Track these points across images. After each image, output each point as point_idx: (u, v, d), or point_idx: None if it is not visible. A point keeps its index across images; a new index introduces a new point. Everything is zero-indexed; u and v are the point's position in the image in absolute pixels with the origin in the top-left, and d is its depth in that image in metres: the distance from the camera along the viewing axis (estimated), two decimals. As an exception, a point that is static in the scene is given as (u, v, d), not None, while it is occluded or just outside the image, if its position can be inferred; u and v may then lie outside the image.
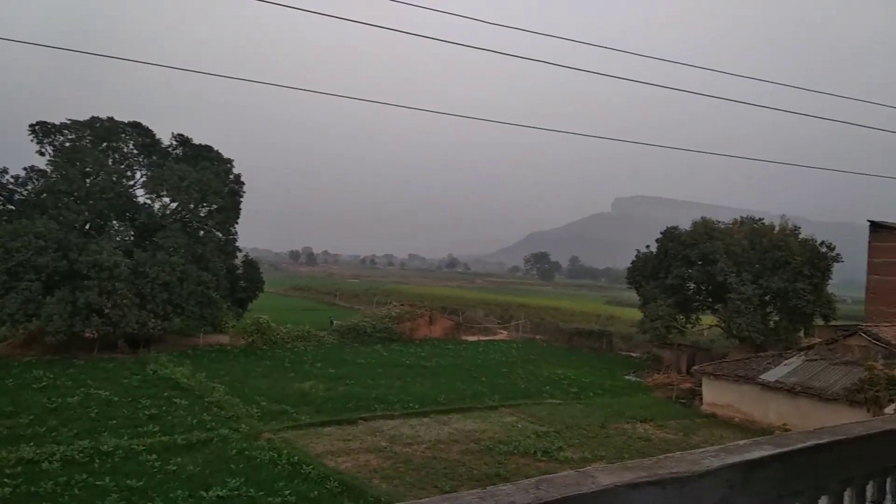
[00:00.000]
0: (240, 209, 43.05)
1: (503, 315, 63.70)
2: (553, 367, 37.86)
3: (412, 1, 11.00)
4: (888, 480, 2.60)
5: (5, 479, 14.70)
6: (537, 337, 53.64)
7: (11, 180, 36.50)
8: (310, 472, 16.32)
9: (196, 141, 42.36)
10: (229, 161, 42.31)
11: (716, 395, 28.39)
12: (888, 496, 2.61)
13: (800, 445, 2.20)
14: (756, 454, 2.05)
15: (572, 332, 51.39)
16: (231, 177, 42.22)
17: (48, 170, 37.04)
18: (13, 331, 32.95)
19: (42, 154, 37.86)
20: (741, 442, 2.20)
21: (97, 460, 16.56)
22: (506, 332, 56.41)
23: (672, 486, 1.80)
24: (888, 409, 21.15)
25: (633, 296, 47.65)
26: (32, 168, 37.23)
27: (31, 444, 17.65)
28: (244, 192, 43.16)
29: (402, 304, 54.70)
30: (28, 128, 37.99)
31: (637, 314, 43.48)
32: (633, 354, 44.61)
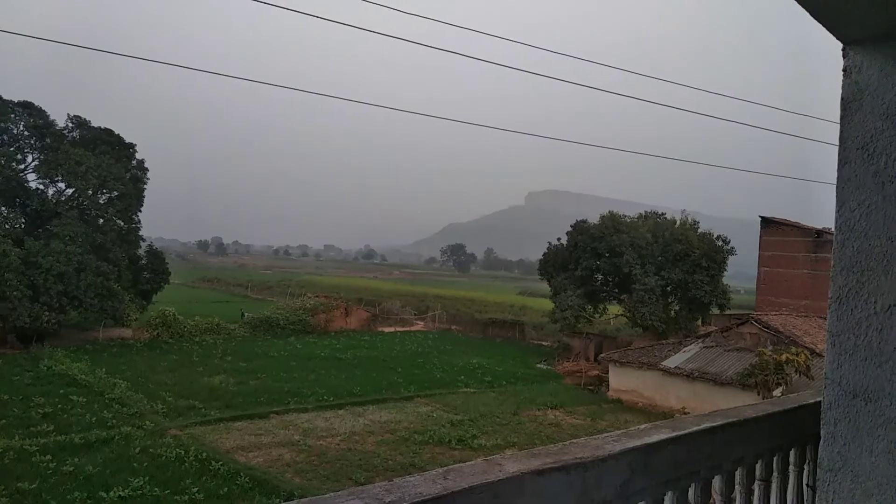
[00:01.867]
0: (143, 197, 40.96)
1: (420, 306, 63.95)
2: (468, 356, 38.39)
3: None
4: (775, 459, 2.80)
5: None
6: (453, 327, 54.21)
7: None
8: (219, 469, 15.84)
9: (94, 124, 39.91)
10: (131, 146, 40.15)
11: (621, 381, 29.67)
12: (774, 473, 2.81)
13: (695, 428, 2.33)
14: (655, 438, 2.16)
15: (487, 323, 52.29)
16: (133, 162, 40.13)
17: (-75, 150, 33.89)
18: None
19: (-83, 133, 34.60)
20: (641, 426, 2.31)
21: (-17, 464, 15.40)
22: (422, 323, 56.69)
23: (576, 471, 1.87)
24: (776, 392, 22.81)
25: (544, 287, 48.98)
26: None
27: None
28: (148, 179, 41.13)
29: (317, 296, 53.87)
30: None
31: (548, 304, 44.74)
32: (544, 343, 45.88)
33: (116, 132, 40.05)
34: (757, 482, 2.72)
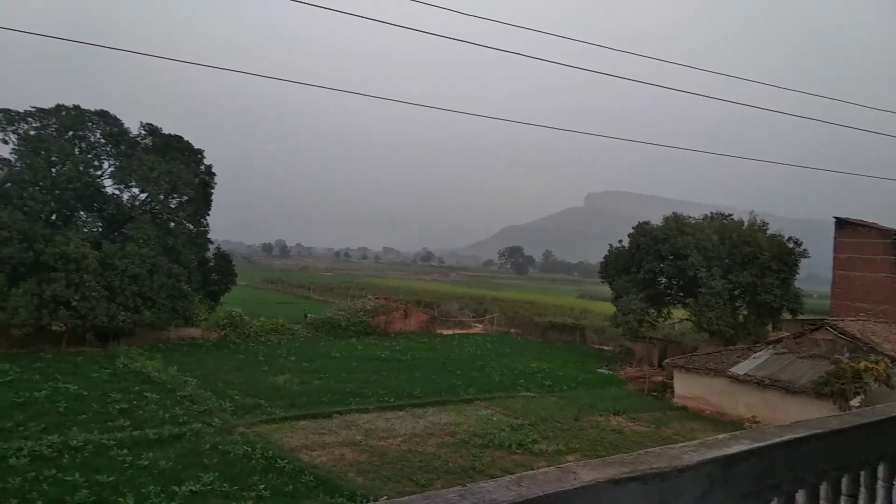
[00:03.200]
0: (211, 201, 42.46)
1: (478, 309, 63.94)
2: (527, 360, 38.12)
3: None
4: (862, 474, 2.66)
5: (-30, 476, 14.37)
6: (511, 330, 53.95)
7: (-25, 170, 35.47)
8: (285, 467, 16.22)
9: (165, 131, 41.63)
10: (200, 152, 41.67)
11: (687, 387, 28.85)
12: (862, 489, 2.67)
13: (777, 440, 2.24)
14: (735, 449, 2.09)
15: (546, 326, 51.81)
16: (202, 168, 41.61)
17: (12, 159, 36.08)
18: (-23, 324, 32.07)
19: (5, 142, 36.83)
20: (720, 436, 2.24)
21: (66, 455, 16.24)
22: (480, 326, 56.64)
23: (653, 482, 1.82)
24: (854, 402, 21.72)
25: (605, 290, 48.19)
26: (-4, 157, 36.22)
27: (-2, 439, 17.27)
28: (215, 184, 42.60)
29: (377, 298, 54.59)
30: (-9, 115, 36.95)
31: (610, 308, 43.97)
32: (605, 348, 45.14)
33: (186, 139, 41.68)
34: (843, 498, 2.59)
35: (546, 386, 30.62)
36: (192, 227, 41.20)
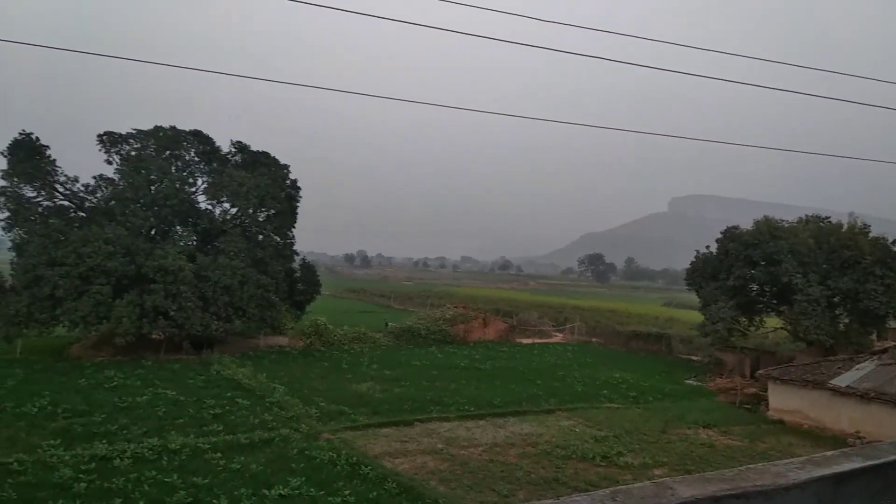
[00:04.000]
0: (296, 214, 43.95)
1: (557, 317, 63.08)
2: (610, 370, 37.24)
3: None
4: None
5: (81, 475, 15.38)
6: (593, 340, 52.88)
7: (82, 188, 38.23)
8: (368, 473, 16.50)
9: (253, 148, 43.52)
10: (285, 167, 43.25)
11: (783, 400, 27.34)
12: None
13: (893, 457, 2.08)
14: (846, 466, 1.95)
15: (629, 335, 50.46)
16: (287, 182, 43.12)
17: (116, 178, 38.68)
18: (86, 332, 34.42)
19: (109, 163, 39.59)
20: (828, 453, 2.10)
21: (165, 458, 17.16)
22: (561, 335, 55.83)
23: (756, 500, 1.73)
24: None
25: (692, 297, 46.43)
26: (101, 176, 38.92)
27: (104, 441, 18.43)
28: (300, 197, 44.08)
29: (456, 307, 54.81)
30: (96, 137, 39.80)
31: (697, 316, 42.38)
32: (693, 358, 43.48)
33: (272, 154, 43.40)
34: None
35: (630, 397, 29.78)
36: (278, 239, 42.79)
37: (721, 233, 40.52)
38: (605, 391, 30.65)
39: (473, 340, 48.06)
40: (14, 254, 35.80)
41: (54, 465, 16.11)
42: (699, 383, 34.92)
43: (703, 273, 40.51)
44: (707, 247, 41.55)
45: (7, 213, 35.50)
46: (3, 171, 35.35)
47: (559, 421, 24.14)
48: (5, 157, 35.55)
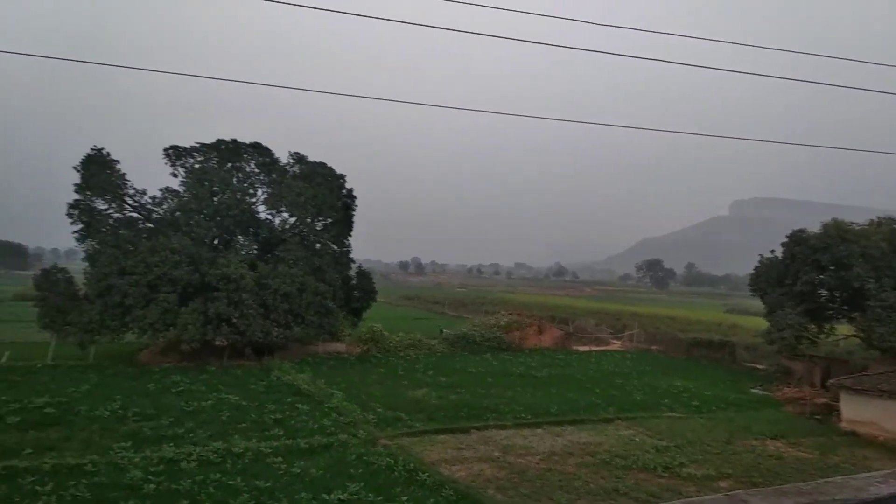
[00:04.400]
0: (352, 222, 44.68)
1: (615, 324, 61.93)
2: (671, 378, 36.30)
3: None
4: None
5: (150, 477, 15.96)
6: (653, 347, 51.68)
7: (150, 200, 39.87)
8: (425, 480, 16.53)
9: (311, 158, 44.47)
10: (342, 177, 44.02)
11: (856, 411, 26.04)
12: None
13: None
14: (937, 483, 1.83)
15: (691, 343, 49.07)
16: (344, 192, 43.88)
17: (181, 190, 40.19)
18: (154, 339, 35.77)
19: (175, 176, 41.19)
20: (919, 469, 1.98)
21: (229, 461, 17.64)
22: (619, 343, 54.78)
23: (839, 516, 1.65)
24: None
25: (756, 304, 44.86)
26: (167, 189, 40.52)
27: (172, 444, 19.09)
28: (356, 206, 44.77)
29: (511, 313, 54.52)
30: (162, 152, 41.46)
31: (762, 323, 40.90)
32: (758, 366, 41.95)
33: (329, 165, 44.25)
34: None
35: (693, 406, 28.93)
36: (335, 247, 43.56)
37: (787, 236, 39.00)
38: (666, 400, 29.88)
39: (529, 347, 47.68)
40: (87, 264, 37.58)
41: (125, 466, 16.77)
42: (765, 393, 33.65)
43: (768, 278, 39.06)
44: (772, 251, 40.06)
45: (81, 226, 37.32)
46: (76, 185, 37.20)
47: (618, 430, 23.66)
48: (78, 171, 37.40)
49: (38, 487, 14.89)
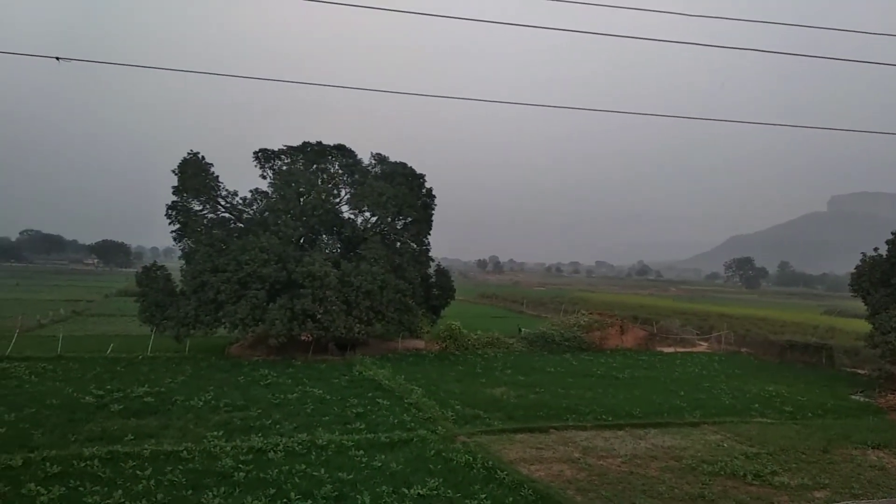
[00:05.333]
0: (432, 221, 45.14)
1: (702, 325, 59.67)
2: (762, 382, 34.63)
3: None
4: None
5: (240, 465, 16.72)
6: (742, 350, 49.48)
7: (240, 201, 41.74)
8: (504, 478, 16.50)
9: (392, 159, 45.28)
10: (422, 176, 44.58)
11: (973, 422, 23.97)
12: None
13: None
14: None
15: (784, 345, 46.63)
16: (423, 191, 44.41)
17: (269, 191, 41.84)
18: (243, 333, 37.44)
19: (264, 177, 42.97)
20: None
21: (314, 452, 18.23)
22: (706, 344, 52.76)
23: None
24: None
25: (857, 305, 42.11)
26: (257, 190, 42.31)
27: (260, 434, 19.94)
28: (435, 205, 45.21)
29: (591, 313, 53.55)
30: (252, 154, 43.30)
31: (864, 325, 38.39)
32: (859, 371, 39.39)
33: (409, 165, 44.89)
34: None
35: (786, 412, 27.47)
36: (415, 246, 44.16)
37: (893, 233, 36.41)
38: (757, 405, 28.52)
39: (610, 348, 46.70)
40: (183, 262, 39.79)
41: (217, 454, 17.65)
42: (868, 399, 31.52)
43: (872, 278, 36.57)
44: (875, 249, 37.49)
45: (178, 226, 39.54)
46: (174, 187, 39.42)
47: (705, 435, 22.79)
48: (176, 174, 39.61)
49: (138, 472, 15.91)
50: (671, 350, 48.41)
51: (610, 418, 24.44)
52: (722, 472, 18.15)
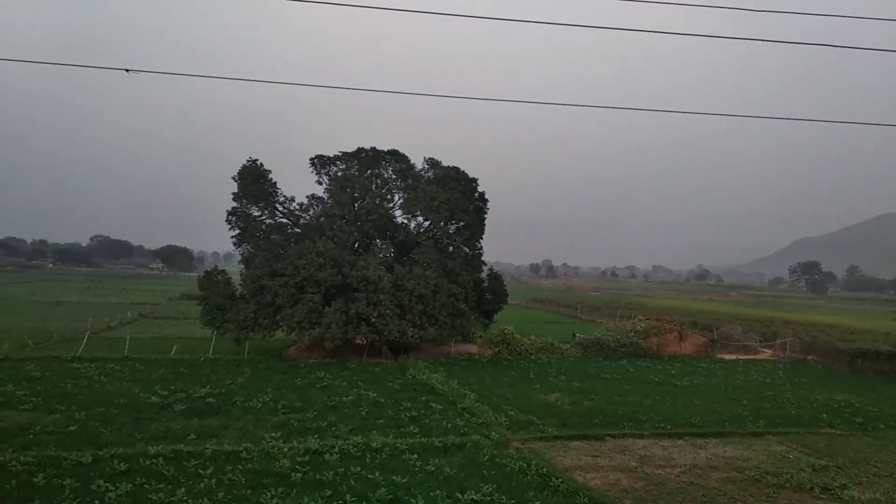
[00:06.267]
0: (484, 225, 45.06)
1: (765, 332, 57.55)
2: (830, 391, 33.14)
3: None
4: None
5: (297, 466, 17.03)
6: (809, 357, 47.49)
7: (297, 207, 42.65)
8: (559, 486, 16.27)
9: (444, 163, 45.43)
10: (474, 180, 44.58)
11: None
12: None
13: None
14: None
15: (854, 353, 44.50)
16: (476, 195, 44.40)
17: (325, 196, 42.60)
18: (300, 336, 38.20)
19: (320, 183, 43.80)
20: None
21: (368, 455, 18.41)
22: (770, 351, 50.88)
23: None
24: None
25: (935, 311, 39.75)
26: (313, 196, 43.16)
27: (316, 436, 20.27)
28: (488, 209, 45.11)
29: (648, 318, 52.38)
30: (309, 161, 44.19)
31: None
32: (938, 382, 37.22)
33: (462, 169, 44.94)
34: None
35: (856, 423, 26.19)
36: (467, 250, 44.20)
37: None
38: (824, 415, 27.30)
39: (668, 354, 45.57)
40: (243, 266, 40.90)
41: (275, 455, 18.03)
42: (947, 412, 29.73)
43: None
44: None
45: (238, 231, 40.68)
46: (234, 193, 40.60)
47: (769, 446, 21.95)
48: (236, 181, 40.78)
49: (200, 471, 16.41)
50: (733, 357, 46.88)
51: (668, 427, 23.83)
52: (787, 485, 17.44)
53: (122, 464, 16.61)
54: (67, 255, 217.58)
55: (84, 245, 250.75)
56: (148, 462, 16.91)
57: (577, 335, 49.07)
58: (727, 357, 46.78)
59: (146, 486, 15.19)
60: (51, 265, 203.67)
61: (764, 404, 29.18)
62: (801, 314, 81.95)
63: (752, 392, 32.29)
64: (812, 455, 20.82)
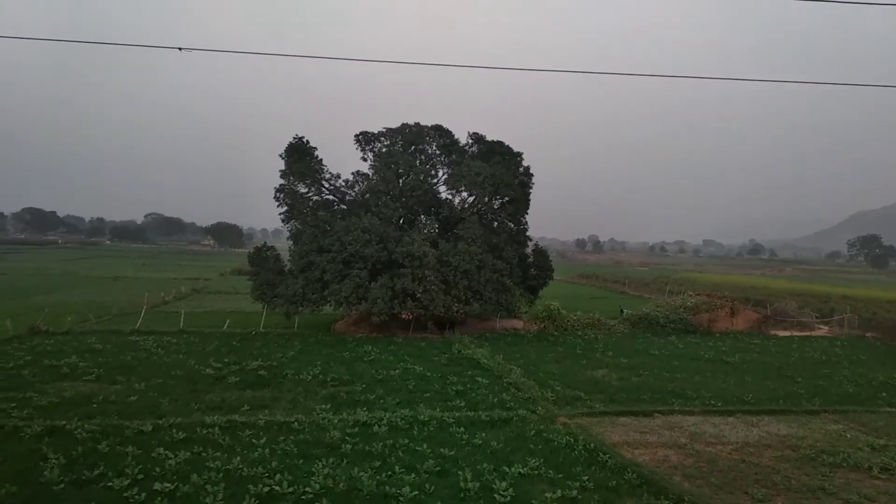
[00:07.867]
0: (529, 200, 44.59)
1: (822, 308, 55.75)
2: (890, 369, 31.97)
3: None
4: None
5: (347, 438, 17.39)
6: (868, 334, 45.83)
7: (343, 184, 42.99)
8: (607, 461, 16.20)
9: (489, 138, 44.98)
10: (519, 154, 44.07)
11: None
12: None
13: None
14: None
15: (917, 330, 42.75)
16: (521, 170, 43.92)
17: (370, 173, 42.80)
18: (347, 311, 38.76)
19: (364, 160, 43.98)
20: None
21: (416, 428, 18.65)
22: (826, 328, 49.32)
23: None
24: None
25: None
26: (358, 172, 43.40)
27: (365, 408, 20.64)
28: (533, 184, 44.60)
29: (699, 294, 51.35)
30: (353, 138, 44.38)
31: None
32: None
33: (506, 143, 44.43)
34: None
35: (919, 403, 25.23)
36: (512, 225, 43.89)
37: None
38: (884, 393, 26.37)
39: (719, 331, 44.63)
40: (291, 242, 41.59)
41: (325, 426, 18.44)
42: None
43: None
44: None
45: (286, 208, 41.32)
46: (281, 170, 41.16)
47: (825, 424, 21.35)
48: (283, 158, 41.30)
49: (254, 440, 16.92)
50: (787, 334, 45.61)
51: (719, 404, 23.40)
52: (844, 464, 16.96)
53: (180, 433, 17.24)
54: (124, 232, 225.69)
55: (139, 222, 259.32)
56: (204, 431, 17.52)
57: (625, 311, 48.44)
58: (781, 334, 45.54)
59: (203, 454, 15.74)
60: (108, 242, 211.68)
61: (820, 382, 28.37)
62: (859, 290, 78.99)
63: (807, 369, 31.40)
64: (871, 434, 20.17)
